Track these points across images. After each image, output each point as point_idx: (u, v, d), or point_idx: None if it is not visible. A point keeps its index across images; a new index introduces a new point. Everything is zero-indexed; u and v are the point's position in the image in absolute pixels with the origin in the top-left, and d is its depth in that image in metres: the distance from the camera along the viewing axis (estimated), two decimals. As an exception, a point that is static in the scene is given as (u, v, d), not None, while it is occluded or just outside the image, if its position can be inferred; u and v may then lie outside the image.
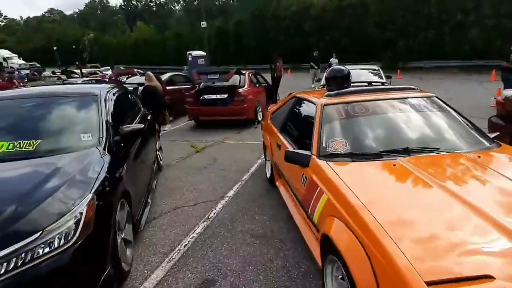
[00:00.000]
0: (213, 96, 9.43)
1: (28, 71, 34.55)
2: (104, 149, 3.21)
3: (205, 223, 4.11)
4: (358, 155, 2.84)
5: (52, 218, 2.28)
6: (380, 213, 2.01)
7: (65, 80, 13.23)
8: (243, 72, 10.07)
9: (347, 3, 30.18)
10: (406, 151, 2.80)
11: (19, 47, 76.24)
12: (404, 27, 27.65)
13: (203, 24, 27.09)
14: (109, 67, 18.97)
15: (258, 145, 6.90)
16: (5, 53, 60.31)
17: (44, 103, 3.80)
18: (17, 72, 25.91)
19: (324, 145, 2.98)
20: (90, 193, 2.54)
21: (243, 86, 9.70)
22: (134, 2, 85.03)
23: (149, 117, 5.84)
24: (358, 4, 29.73)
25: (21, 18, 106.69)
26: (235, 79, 9.67)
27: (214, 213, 4.35)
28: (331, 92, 3.62)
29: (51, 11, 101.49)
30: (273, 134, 4.63)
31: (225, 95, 9.38)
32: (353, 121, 3.23)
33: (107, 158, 3.09)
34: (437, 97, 3.58)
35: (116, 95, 4.37)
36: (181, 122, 10.72)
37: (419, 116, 3.30)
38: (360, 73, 8.87)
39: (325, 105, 3.36)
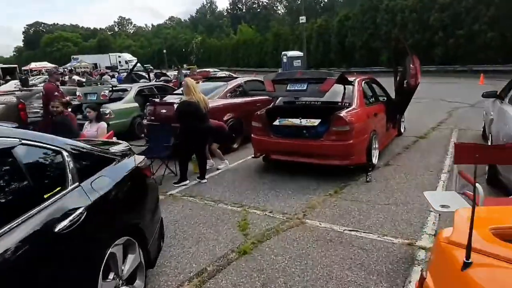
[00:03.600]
0: (296, 122, 5.25)
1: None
2: None
3: None
4: None
5: None
6: None
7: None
8: (351, 79, 5.65)
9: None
10: None
11: (140, 51, 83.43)
12: None
13: (302, 19, 22.93)
14: (177, 69, 15.89)
15: (384, 245, 2.57)
16: (128, 56, 65.86)
17: None
18: (117, 74, 25.67)
19: None
20: None
21: (350, 105, 5.31)
22: (240, 5, 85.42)
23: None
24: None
25: (146, 25, 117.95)
26: (335, 92, 5.33)
27: None
28: None
29: (171, 18, 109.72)
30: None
31: (317, 121, 5.14)
32: None
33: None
34: None
35: None
36: (244, 154, 6.79)
37: None
38: None
39: None
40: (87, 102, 9.33)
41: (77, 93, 9.54)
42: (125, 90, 9.27)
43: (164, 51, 57.22)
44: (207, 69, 24.10)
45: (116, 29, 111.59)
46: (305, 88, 5.08)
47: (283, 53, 22.61)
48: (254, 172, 5.81)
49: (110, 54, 62.42)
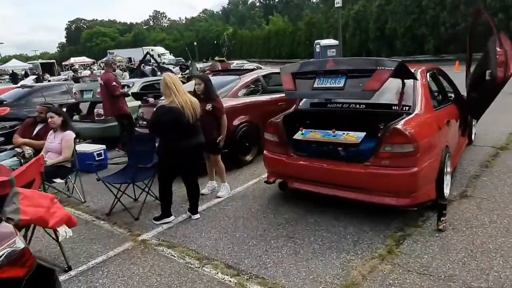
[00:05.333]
0: (327, 136, 3.48)
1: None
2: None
3: None
4: None
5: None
6: None
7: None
8: (414, 69, 3.77)
9: None
10: None
11: (173, 44, 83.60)
12: None
13: (338, 3, 20.51)
14: (205, 61, 14.43)
15: None
16: (161, 50, 66.04)
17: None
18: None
19: None
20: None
21: (411, 110, 3.44)
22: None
23: None
24: None
25: (180, 19, 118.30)
26: (387, 89, 3.48)
27: None
28: None
29: (204, 11, 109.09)
30: None
31: (359, 136, 3.34)
32: None
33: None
34: None
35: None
36: (259, 170, 5.09)
37: None
38: None
39: None
40: (84, 100, 8.06)
41: (73, 90, 8.30)
42: (126, 86, 7.83)
43: (195, 43, 56.46)
44: (230, 61, 22.45)
45: (151, 23, 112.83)
46: (341, 84, 3.27)
47: (316, 42, 20.34)
48: (268, 203, 4.12)
49: (143, 47, 62.66)
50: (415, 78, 3.49)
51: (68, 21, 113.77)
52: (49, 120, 4.39)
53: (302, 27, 42.80)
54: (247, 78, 5.99)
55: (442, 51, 24.94)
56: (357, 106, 3.74)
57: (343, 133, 3.44)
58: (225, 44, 64.57)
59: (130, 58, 58.31)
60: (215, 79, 6.38)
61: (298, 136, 3.62)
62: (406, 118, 3.28)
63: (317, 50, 20.16)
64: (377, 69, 3.10)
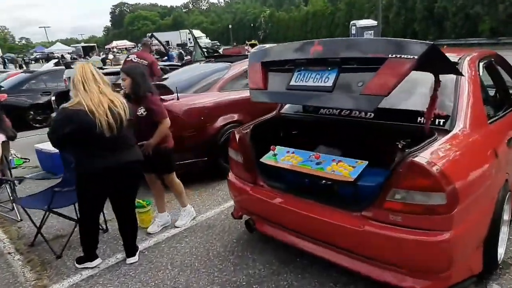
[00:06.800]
0: (310, 164, 2.21)
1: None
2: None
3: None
4: None
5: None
6: None
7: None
8: (458, 57, 2.37)
9: None
10: None
11: (211, 27, 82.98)
12: None
13: (378, -22, 18.18)
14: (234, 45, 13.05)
15: None
16: (197, 33, 65.65)
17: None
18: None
19: None
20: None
21: (448, 123, 2.08)
22: (313, -25, 78.92)
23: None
24: None
25: (218, 1, 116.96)
26: (412, 82, 2.12)
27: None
28: None
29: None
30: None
31: (357, 167, 2.03)
32: None
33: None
34: None
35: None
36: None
37: None
38: None
39: None
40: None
41: (64, 77, 7.51)
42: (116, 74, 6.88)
43: (230, 26, 55.19)
44: (262, 45, 20.88)
45: (190, 6, 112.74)
46: (330, 83, 1.98)
47: (351, 22, 18.03)
48: (236, 243, 2.97)
49: (180, 31, 62.49)
50: (458, 73, 2.09)
51: (113, 5, 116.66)
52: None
53: (342, 7, 39.99)
54: (240, 67, 4.75)
55: (499, 33, 21.73)
56: (363, 114, 2.41)
57: (334, 159, 2.15)
58: (261, 27, 62.67)
59: (168, 42, 58.37)
60: (201, 68, 5.26)
61: (267, 158, 2.38)
62: (439, 141, 1.93)
63: (353, 32, 17.92)
64: (389, 57, 1.77)
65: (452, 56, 2.50)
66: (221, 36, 71.48)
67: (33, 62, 37.74)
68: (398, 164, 1.81)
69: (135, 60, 5.88)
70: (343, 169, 2.04)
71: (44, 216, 3.02)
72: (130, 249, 2.80)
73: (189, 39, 60.16)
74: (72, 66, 7.95)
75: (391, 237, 1.81)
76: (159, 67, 6.01)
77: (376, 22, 18.55)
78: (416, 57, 1.71)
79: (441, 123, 2.13)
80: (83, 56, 38.29)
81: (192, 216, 3.38)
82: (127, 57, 6.19)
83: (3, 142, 3.50)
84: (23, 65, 32.52)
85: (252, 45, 33.23)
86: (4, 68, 23.10)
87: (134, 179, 2.61)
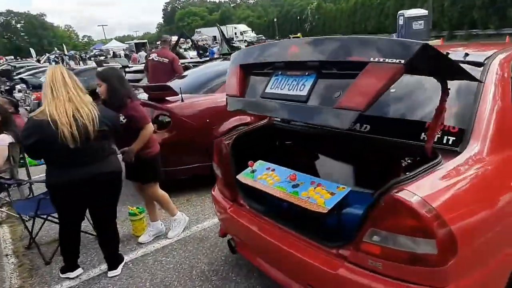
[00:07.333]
0: (285, 185, 1.87)
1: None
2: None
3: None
4: None
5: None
6: None
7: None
8: (484, 54, 1.88)
9: None
10: None
11: (257, 21, 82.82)
12: None
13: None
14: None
15: None
16: (242, 27, 65.85)
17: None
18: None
19: None
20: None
21: (462, 146, 1.61)
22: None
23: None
24: None
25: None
26: (420, 85, 1.70)
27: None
28: None
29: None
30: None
31: (333, 198, 1.66)
32: None
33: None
34: None
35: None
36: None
37: None
38: None
39: None
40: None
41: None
42: (142, 72, 6.90)
43: (275, 19, 54.55)
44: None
45: (238, 0, 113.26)
46: (305, 92, 1.62)
47: (399, 12, 16.52)
48: (224, 261, 2.71)
49: (227, 25, 63.08)
50: (471, 78, 1.61)
51: (165, 2, 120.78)
52: (-15, 120, 3.58)
53: (392, -4, 37.58)
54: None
55: None
56: (358, 125, 2.01)
57: (313, 181, 1.79)
58: (307, 20, 61.20)
59: (214, 37, 59.38)
60: (215, 66, 5.04)
61: (244, 175, 2.07)
62: (442, 167, 1.49)
63: (400, 22, 16.40)
64: (370, 61, 1.38)
65: (478, 54, 2.01)
66: (267, 30, 70.96)
67: (92, 59, 40.33)
68: (379, 196, 1.42)
69: (156, 59, 5.81)
70: (320, 196, 1.68)
71: (34, 221, 2.99)
72: (111, 262, 2.66)
73: (235, 33, 60.66)
74: (103, 65, 8.17)
75: (367, 287, 1.43)
76: (180, 64, 5.87)
77: (426, 11, 16.93)
78: (402, 61, 1.30)
79: (450, 142, 1.68)
80: (135, 52, 40.15)
81: (184, 224, 3.17)
82: (148, 56, 6.14)
83: (10, 143, 3.55)
84: (80, 62, 34.84)
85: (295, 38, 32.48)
86: (62, 64, 24.81)
87: (109, 191, 2.44)
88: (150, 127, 2.77)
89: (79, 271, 2.67)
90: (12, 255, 3.12)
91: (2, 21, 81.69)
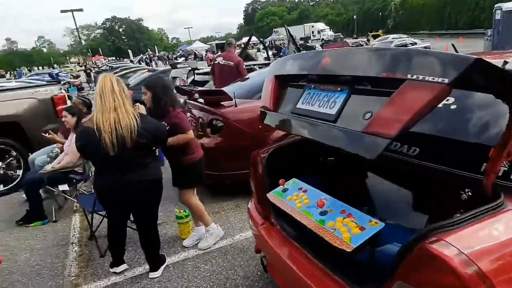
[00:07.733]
0: (312, 210, 1.68)
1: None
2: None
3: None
4: None
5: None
6: None
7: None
8: None
9: None
10: None
11: (336, 19, 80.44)
12: None
13: None
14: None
15: None
16: (320, 26, 64.43)
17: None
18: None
19: None
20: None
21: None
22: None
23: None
24: None
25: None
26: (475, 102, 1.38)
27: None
28: None
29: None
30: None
31: (363, 236, 1.42)
32: None
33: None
34: None
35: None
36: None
37: None
38: None
39: None
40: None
41: (170, 76, 8.16)
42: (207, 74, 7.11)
43: (354, 17, 52.23)
44: (383, 36, 18.61)
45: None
46: (334, 110, 1.42)
47: (496, 6, 14.18)
48: (259, 276, 2.61)
49: (304, 24, 62.36)
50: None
51: (246, 4, 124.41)
52: (63, 119, 3.99)
53: (493, -14, 33.15)
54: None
55: None
56: (405, 147, 1.71)
57: (343, 210, 1.57)
58: (391, 15, 57.41)
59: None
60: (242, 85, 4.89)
61: (274, 194, 1.93)
62: (501, 213, 1.17)
63: (497, 17, 13.99)
64: (407, 78, 1.13)
65: None
66: (346, 28, 68.46)
67: (178, 59, 43.48)
68: (412, 243, 1.16)
69: (222, 62, 5.92)
70: (347, 229, 1.46)
71: (92, 215, 3.24)
72: (152, 264, 2.75)
73: (312, 32, 59.57)
74: (178, 67, 8.62)
75: None
76: (244, 67, 5.91)
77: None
78: (446, 80, 1.04)
79: (521, 178, 1.32)
80: (215, 52, 42.11)
81: (217, 236, 3.12)
82: (215, 60, 6.27)
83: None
84: (167, 62, 37.75)
85: (375, 36, 30.70)
86: (148, 65, 27.14)
87: (148, 197, 2.50)
88: (191, 133, 2.78)
89: (124, 266, 2.81)
90: (77, 244, 3.43)
91: (108, 26, 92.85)
